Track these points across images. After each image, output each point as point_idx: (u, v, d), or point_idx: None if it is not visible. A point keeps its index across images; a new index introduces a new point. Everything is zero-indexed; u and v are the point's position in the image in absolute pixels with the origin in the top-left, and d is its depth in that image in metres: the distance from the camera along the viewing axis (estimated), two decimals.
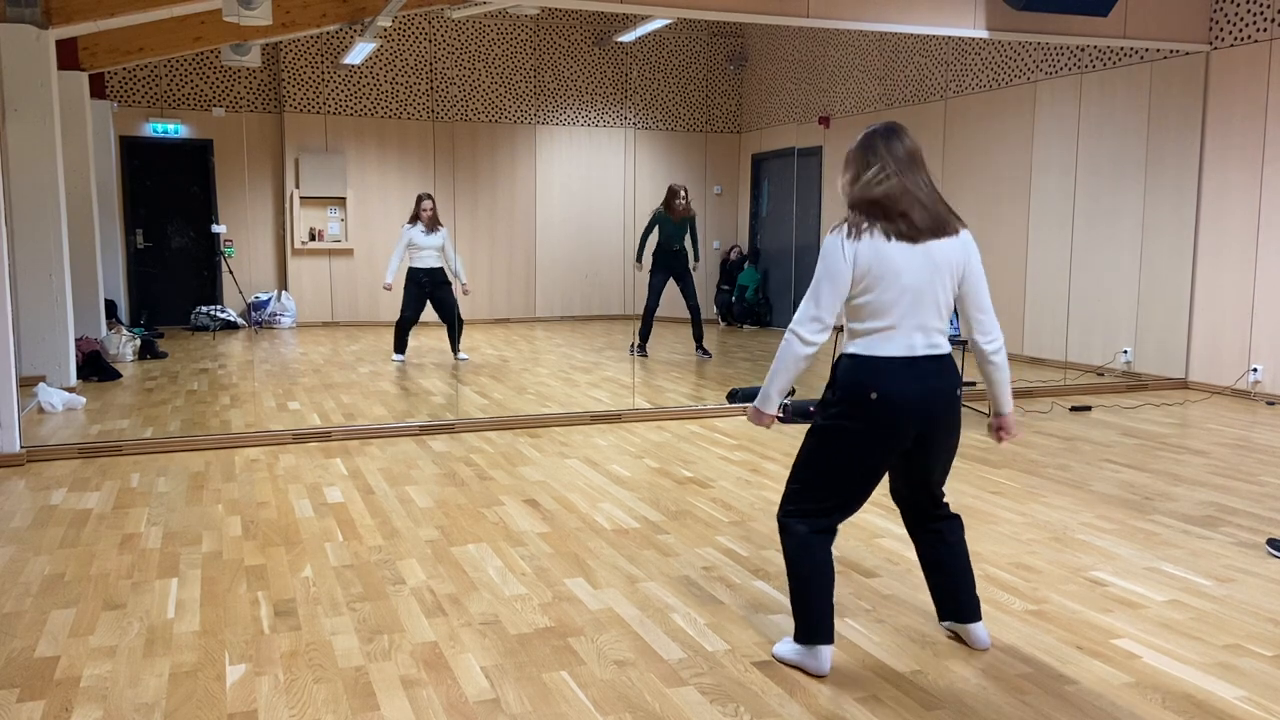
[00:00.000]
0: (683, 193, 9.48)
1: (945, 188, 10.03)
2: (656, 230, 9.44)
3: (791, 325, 2.82)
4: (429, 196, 8.98)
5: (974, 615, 3.07)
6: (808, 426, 2.94)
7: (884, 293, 2.74)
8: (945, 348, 2.84)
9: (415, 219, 8.91)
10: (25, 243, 7.15)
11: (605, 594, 3.51)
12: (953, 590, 3.07)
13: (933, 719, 2.64)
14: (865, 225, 2.75)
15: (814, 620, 2.87)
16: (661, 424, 6.56)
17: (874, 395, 2.75)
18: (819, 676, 2.87)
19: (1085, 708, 2.71)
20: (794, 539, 2.90)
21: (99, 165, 9.79)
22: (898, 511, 4.50)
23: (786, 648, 2.98)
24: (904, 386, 2.75)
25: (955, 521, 3.07)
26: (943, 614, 3.14)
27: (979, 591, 3.54)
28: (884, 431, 2.78)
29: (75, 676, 2.85)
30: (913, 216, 2.75)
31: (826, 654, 2.89)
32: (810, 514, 2.90)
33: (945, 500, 3.06)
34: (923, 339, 2.78)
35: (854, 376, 2.78)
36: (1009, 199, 9.51)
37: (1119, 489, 4.98)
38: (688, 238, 9.50)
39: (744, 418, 6.75)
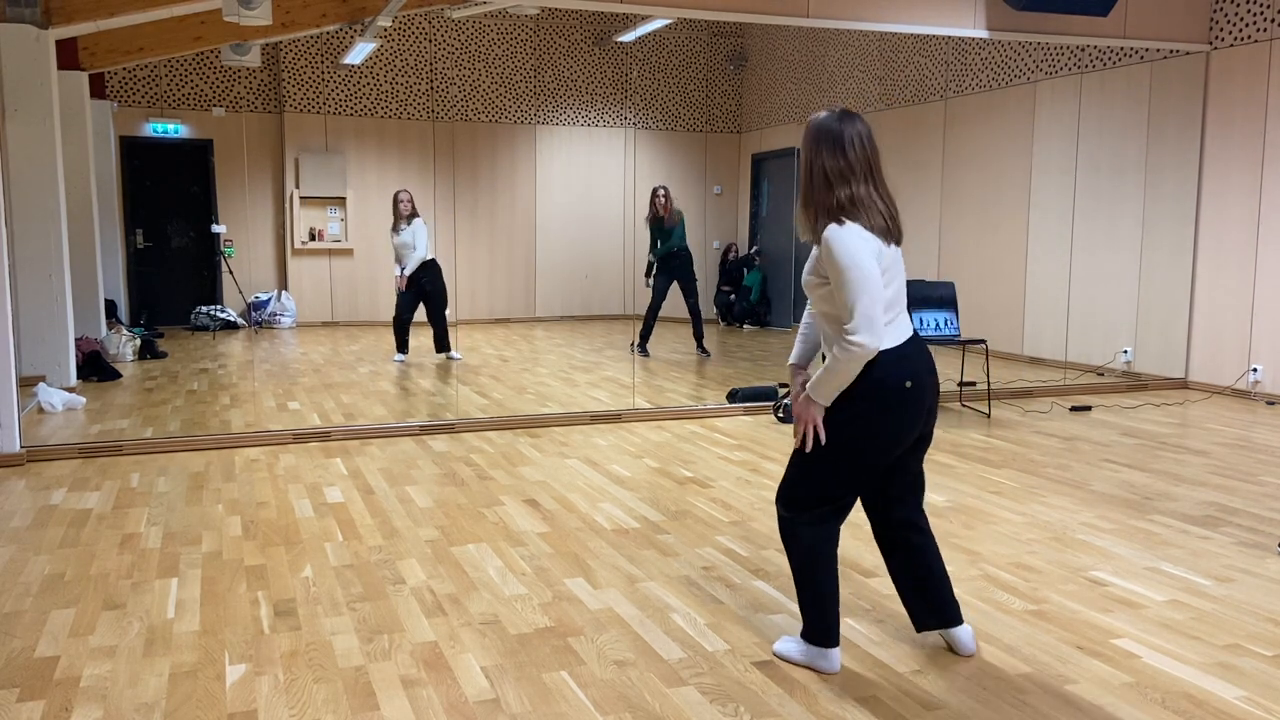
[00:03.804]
0: (660, 192, 9.56)
1: (945, 188, 10.04)
2: (658, 239, 9.58)
3: (862, 338, 2.62)
4: (404, 190, 9.10)
5: (960, 616, 3.02)
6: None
7: (894, 279, 2.80)
8: None
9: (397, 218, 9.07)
10: (25, 243, 7.15)
11: (605, 594, 3.51)
12: (936, 589, 2.97)
13: (933, 719, 2.64)
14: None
15: (828, 623, 2.87)
16: (661, 424, 6.56)
17: (909, 384, 2.74)
18: (828, 674, 2.88)
19: (1085, 708, 2.71)
20: (805, 542, 2.86)
21: (99, 165, 9.79)
22: None
23: (792, 647, 2.96)
24: (922, 366, 2.80)
25: (927, 530, 3.01)
26: (928, 622, 3.02)
27: (979, 591, 3.55)
28: (914, 414, 2.78)
29: (75, 676, 2.85)
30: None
31: (836, 654, 2.89)
32: (824, 516, 2.85)
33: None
34: (909, 318, 2.87)
35: (886, 372, 2.72)
36: (1009, 199, 9.50)
37: (1119, 489, 4.98)
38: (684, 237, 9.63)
39: (745, 417, 6.75)
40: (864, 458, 2.79)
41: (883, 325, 2.65)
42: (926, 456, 3.19)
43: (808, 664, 2.91)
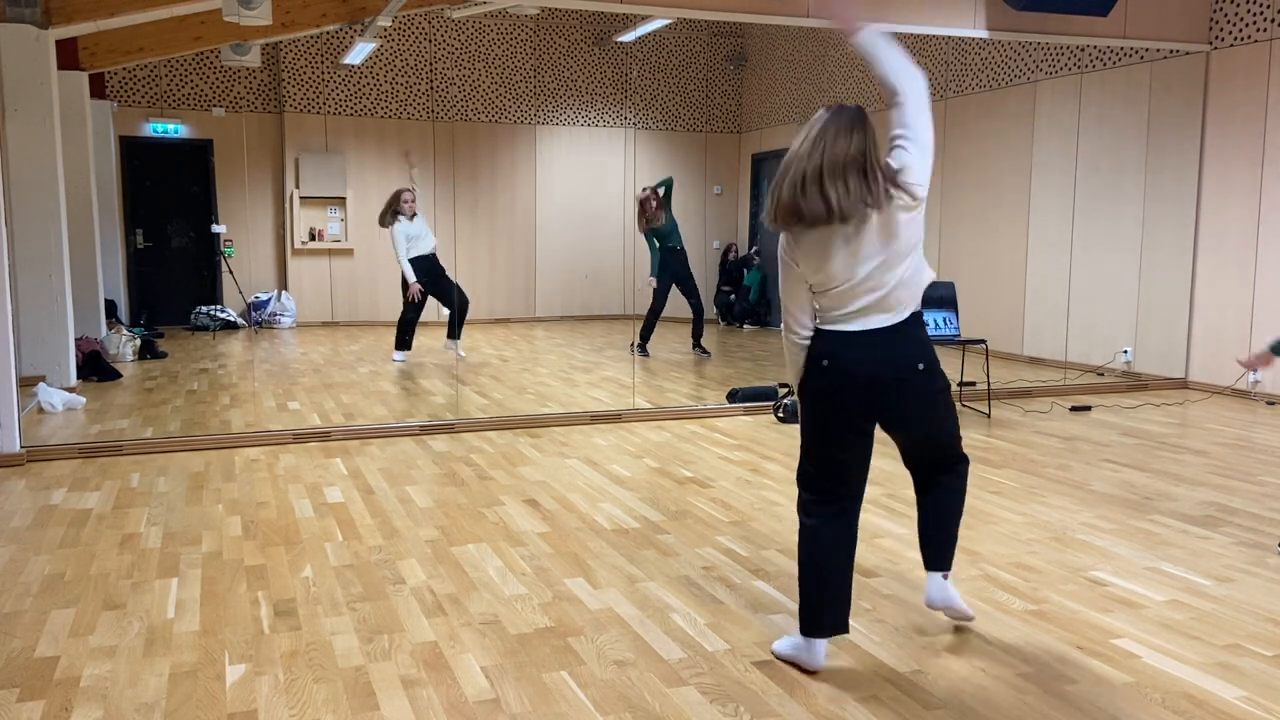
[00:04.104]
0: (649, 195, 9.57)
1: (945, 188, 10.04)
2: (655, 240, 9.57)
3: (783, 323, 2.97)
4: (407, 190, 9.07)
5: (939, 564, 3.11)
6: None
7: (843, 285, 2.81)
8: (902, 316, 2.84)
9: (397, 213, 8.94)
10: (25, 243, 7.15)
11: (605, 594, 3.51)
12: (928, 531, 3.11)
13: (933, 719, 2.64)
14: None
15: (806, 611, 2.90)
16: (661, 424, 6.56)
17: (825, 363, 2.84)
18: (812, 672, 2.88)
19: (1085, 708, 2.71)
20: (801, 529, 2.96)
21: (99, 165, 9.78)
22: (898, 512, 4.51)
23: (785, 643, 2.99)
24: (862, 352, 2.81)
25: (963, 468, 3.10)
26: (925, 562, 3.17)
27: (979, 591, 3.55)
28: (840, 395, 2.84)
29: (75, 676, 2.85)
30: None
31: (820, 648, 2.89)
32: (811, 509, 2.93)
33: (963, 455, 3.11)
34: (882, 317, 2.82)
35: (815, 350, 2.88)
36: (1009, 199, 9.50)
37: (1119, 489, 4.98)
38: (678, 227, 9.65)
39: (745, 417, 6.75)
40: (810, 441, 2.92)
41: (794, 316, 2.90)
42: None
43: (793, 658, 2.92)
